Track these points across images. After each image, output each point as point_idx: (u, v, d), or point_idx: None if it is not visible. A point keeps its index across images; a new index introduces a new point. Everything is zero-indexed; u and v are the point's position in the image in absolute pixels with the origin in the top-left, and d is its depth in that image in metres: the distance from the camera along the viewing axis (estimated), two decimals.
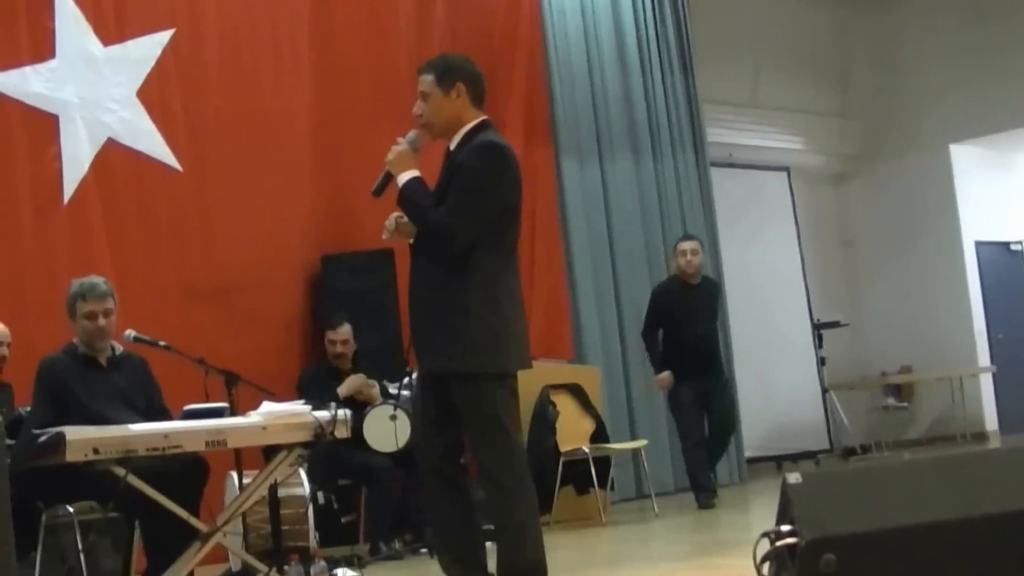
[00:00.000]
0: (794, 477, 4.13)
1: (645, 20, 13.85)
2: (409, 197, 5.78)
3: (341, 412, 6.93)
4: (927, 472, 4.36)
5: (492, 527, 5.70)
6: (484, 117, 5.95)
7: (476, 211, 5.65)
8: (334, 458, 8.66)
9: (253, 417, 6.86)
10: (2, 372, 8.71)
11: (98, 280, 7.38)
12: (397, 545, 9.36)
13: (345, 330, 9.78)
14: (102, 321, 7.25)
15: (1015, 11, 16.23)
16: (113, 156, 10.12)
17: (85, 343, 7.34)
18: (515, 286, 5.82)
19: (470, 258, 5.65)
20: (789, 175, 17.15)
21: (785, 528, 4.09)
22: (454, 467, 5.83)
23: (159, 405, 7.43)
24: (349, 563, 8.09)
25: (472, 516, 5.81)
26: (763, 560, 4.18)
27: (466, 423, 5.70)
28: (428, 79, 5.87)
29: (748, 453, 14.27)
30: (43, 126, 9.86)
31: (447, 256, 5.65)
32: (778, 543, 4.10)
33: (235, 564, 8.01)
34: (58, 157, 9.86)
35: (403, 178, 5.81)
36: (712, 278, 12.08)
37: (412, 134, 5.94)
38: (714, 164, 14.64)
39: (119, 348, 7.45)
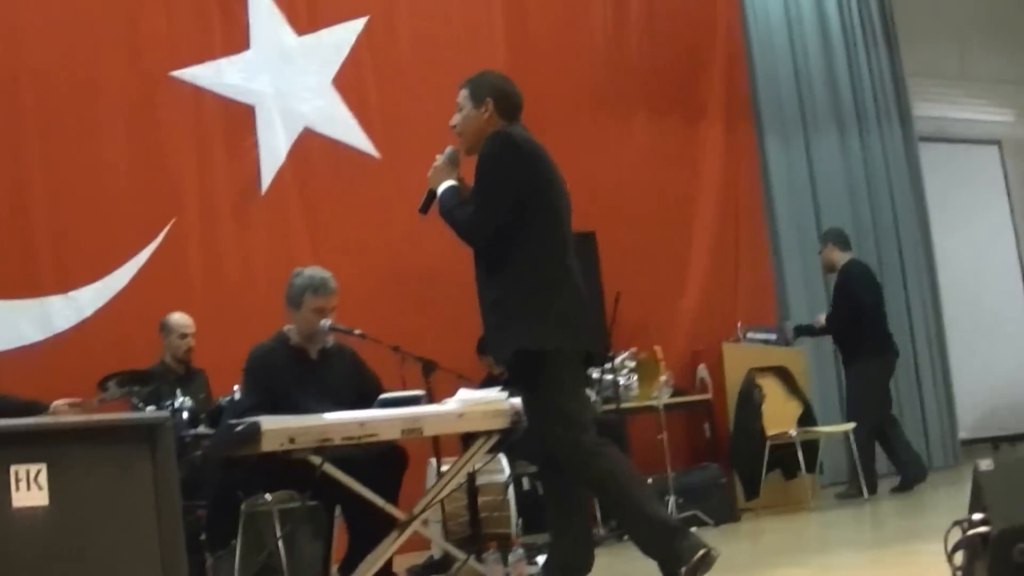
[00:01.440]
0: (986, 464, 3.98)
1: None
2: (441, 204, 6.03)
3: None
4: None
5: None
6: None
7: (485, 202, 5.82)
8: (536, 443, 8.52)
9: (449, 405, 6.79)
10: (191, 361, 8.81)
11: (328, 275, 7.30)
12: (601, 531, 9.22)
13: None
14: (327, 318, 7.21)
15: None
16: (310, 145, 10.19)
17: (303, 335, 7.28)
18: (557, 272, 5.88)
19: (502, 251, 5.79)
20: (1000, 148, 16.55)
21: (977, 517, 3.92)
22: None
23: (379, 392, 7.31)
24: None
25: None
26: (955, 549, 4.05)
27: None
28: (463, 93, 6.13)
29: (963, 435, 13.81)
30: (239, 117, 9.97)
31: (477, 251, 5.91)
32: (969, 532, 3.93)
33: (436, 552, 7.98)
34: (255, 147, 9.97)
35: (439, 189, 6.06)
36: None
37: (449, 150, 6.21)
38: (922, 139, 14.19)
39: (330, 341, 7.39)
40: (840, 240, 11.16)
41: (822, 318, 11.07)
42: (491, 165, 5.81)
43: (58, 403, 7.43)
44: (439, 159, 6.15)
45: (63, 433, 3.10)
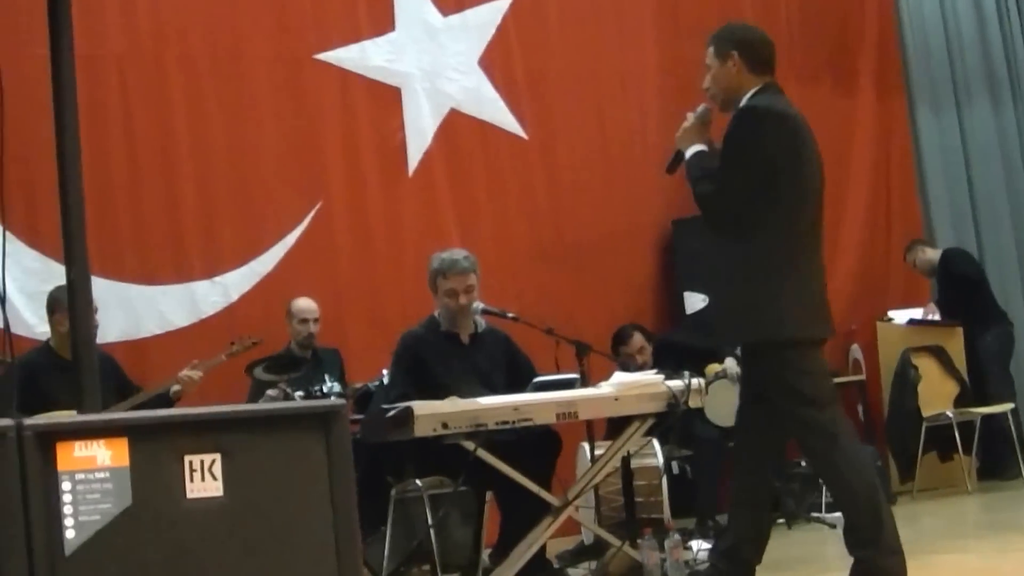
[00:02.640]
0: None
1: None
2: (688, 171, 5.78)
3: (695, 381, 6.69)
4: None
5: None
6: (766, 82, 5.74)
7: (727, 184, 5.57)
8: (686, 426, 8.39)
9: (604, 388, 6.68)
10: (314, 347, 8.76)
11: (459, 255, 7.23)
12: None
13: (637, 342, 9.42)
14: (463, 299, 7.11)
15: None
16: (457, 125, 10.14)
17: (448, 319, 7.22)
18: (802, 257, 5.62)
19: (744, 232, 5.55)
20: None
21: None
22: None
23: (531, 377, 7.19)
24: (703, 534, 7.86)
25: None
26: None
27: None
28: (709, 51, 5.83)
29: None
30: (386, 98, 9.94)
31: (714, 230, 5.72)
32: None
33: (587, 537, 7.89)
34: (402, 128, 9.94)
35: (687, 153, 5.81)
36: None
37: (701, 108, 5.91)
38: None
39: (482, 324, 7.30)
40: (924, 241, 11.35)
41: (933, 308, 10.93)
42: (735, 144, 5.56)
43: (182, 373, 7.45)
44: (690, 118, 5.89)
45: (237, 422, 3.07)
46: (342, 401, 3.14)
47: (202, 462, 2.98)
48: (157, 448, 2.98)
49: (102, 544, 2.93)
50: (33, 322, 8.28)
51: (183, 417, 3.07)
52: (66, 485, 2.93)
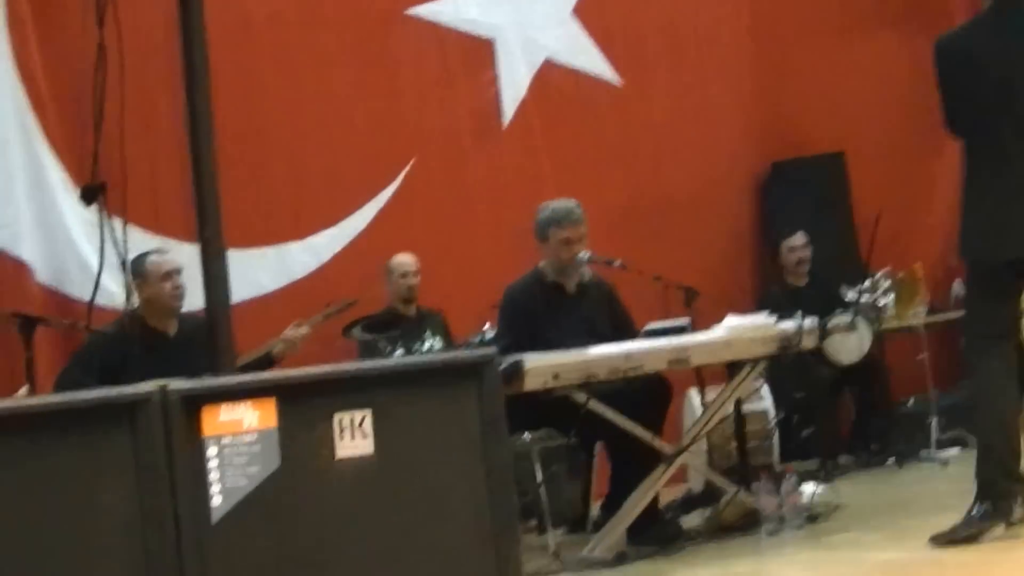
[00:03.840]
0: None
1: None
2: None
3: (808, 321, 6.62)
4: None
5: None
6: None
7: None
8: (795, 369, 8.31)
9: (717, 332, 6.61)
10: (416, 302, 8.68)
11: (572, 204, 7.16)
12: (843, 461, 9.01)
13: (801, 238, 9.46)
14: (577, 248, 7.05)
15: None
16: (551, 76, 10.03)
17: (556, 270, 7.15)
18: (985, 173, 5.71)
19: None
20: None
21: None
22: None
23: (628, 329, 7.20)
24: (814, 477, 7.80)
25: None
26: None
27: None
28: None
29: None
30: (479, 51, 9.85)
31: None
32: None
33: (696, 484, 7.83)
34: (495, 81, 9.85)
35: None
36: None
37: None
38: None
39: (588, 274, 7.23)
40: None
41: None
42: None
43: (287, 333, 7.41)
44: None
45: (386, 377, 3.02)
46: (494, 349, 3.07)
47: (352, 419, 2.93)
48: (306, 407, 2.93)
49: (249, 510, 2.90)
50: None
51: (332, 374, 3.03)
52: (212, 451, 2.90)
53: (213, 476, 2.88)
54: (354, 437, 2.93)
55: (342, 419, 2.93)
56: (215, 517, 2.87)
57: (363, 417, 2.94)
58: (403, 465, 2.97)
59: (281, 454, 2.91)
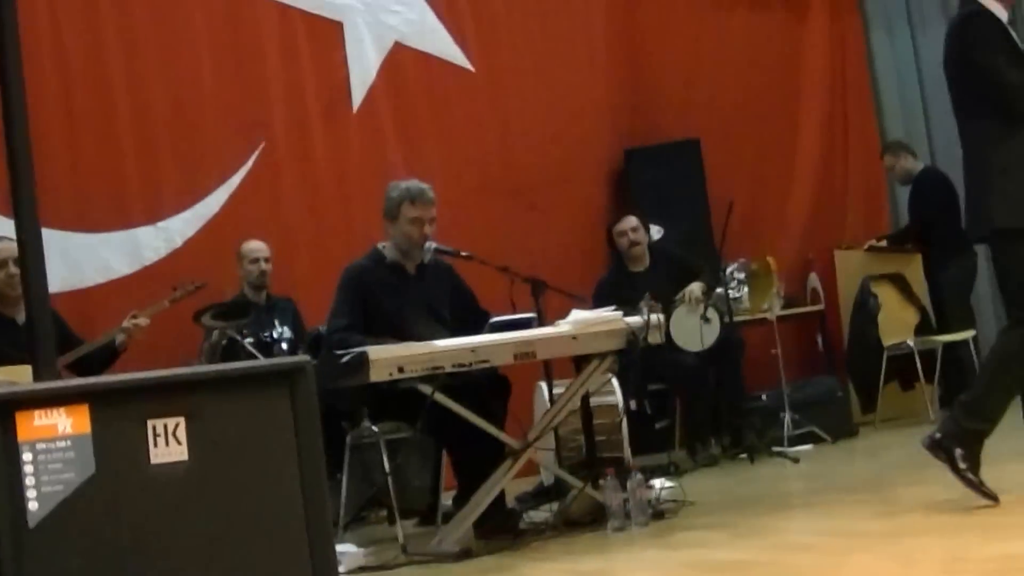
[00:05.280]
0: None
1: None
2: None
3: (654, 317, 6.59)
4: None
5: None
6: None
7: None
8: (645, 362, 8.27)
9: (562, 327, 6.56)
10: (267, 288, 8.58)
11: (426, 186, 7.03)
12: (714, 450, 8.99)
13: (631, 221, 9.34)
14: (427, 228, 6.93)
15: None
16: (401, 59, 9.97)
17: (400, 250, 7.02)
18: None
19: None
20: None
21: None
22: None
23: (476, 309, 7.13)
24: (666, 472, 7.76)
25: None
26: None
27: None
28: None
29: None
30: (328, 34, 9.74)
31: None
32: None
33: (547, 478, 7.78)
34: (344, 63, 9.75)
35: None
36: None
37: None
38: None
39: (428, 255, 7.12)
40: (911, 149, 10.94)
41: None
42: None
43: (125, 323, 7.27)
44: None
45: (200, 383, 2.98)
46: (307, 358, 3.05)
47: (166, 426, 2.90)
48: (119, 414, 2.89)
49: (66, 515, 2.86)
50: None
51: (145, 380, 2.97)
52: (27, 456, 2.85)
53: (29, 481, 2.84)
54: (168, 443, 2.90)
55: (155, 425, 2.89)
56: (32, 521, 2.84)
57: (176, 424, 2.90)
58: (218, 471, 2.94)
59: (96, 460, 2.87)
